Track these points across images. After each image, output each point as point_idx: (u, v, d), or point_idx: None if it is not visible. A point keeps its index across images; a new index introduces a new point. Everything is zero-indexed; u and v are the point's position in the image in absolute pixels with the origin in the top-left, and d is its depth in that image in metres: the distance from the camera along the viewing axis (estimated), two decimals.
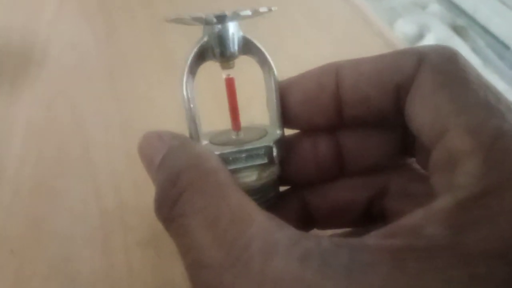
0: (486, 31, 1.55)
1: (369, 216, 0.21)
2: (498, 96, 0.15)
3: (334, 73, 0.18)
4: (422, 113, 0.16)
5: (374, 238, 0.13)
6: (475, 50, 1.51)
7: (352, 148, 0.20)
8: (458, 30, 1.57)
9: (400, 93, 0.17)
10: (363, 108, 0.18)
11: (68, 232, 0.26)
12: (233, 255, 0.13)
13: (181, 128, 0.31)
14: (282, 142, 0.19)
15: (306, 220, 0.21)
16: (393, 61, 0.17)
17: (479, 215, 0.12)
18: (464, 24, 1.59)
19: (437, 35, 1.54)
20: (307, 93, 0.19)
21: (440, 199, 0.13)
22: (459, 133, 0.14)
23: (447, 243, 0.12)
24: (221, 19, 0.17)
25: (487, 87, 0.15)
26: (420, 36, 1.56)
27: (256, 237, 0.13)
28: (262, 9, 0.17)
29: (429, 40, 1.52)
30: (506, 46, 1.47)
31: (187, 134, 0.19)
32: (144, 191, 0.28)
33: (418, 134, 0.17)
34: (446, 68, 0.16)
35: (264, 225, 0.14)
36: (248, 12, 0.17)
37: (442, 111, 0.15)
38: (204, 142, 0.19)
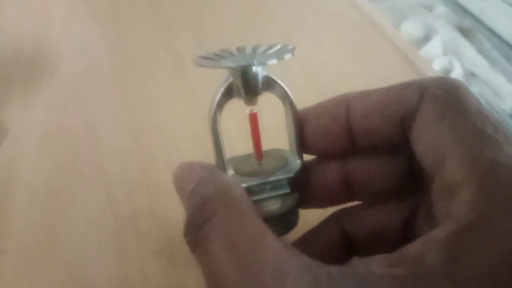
0: (492, 32, 1.54)
1: (406, 240, 0.21)
2: (496, 126, 0.16)
3: (345, 105, 0.20)
4: (424, 143, 0.17)
5: (379, 266, 0.14)
6: (482, 51, 1.50)
7: (360, 174, 0.21)
8: (464, 32, 1.57)
9: (405, 124, 0.18)
10: (373, 138, 0.19)
11: (82, 238, 0.27)
12: (249, 278, 0.15)
13: (192, 130, 0.32)
14: (302, 171, 0.21)
15: (346, 248, 0.22)
16: (398, 94, 0.19)
17: (472, 243, 0.13)
18: (471, 26, 1.59)
19: (444, 37, 1.54)
20: (320, 124, 0.20)
21: (439, 228, 0.15)
22: (455, 163, 0.15)
23: (443, 270, 0.13)
24: (249, 68, 0.19)
25: (486, 117, 0.16)
26: (427, 38, 1.56)
27: (271, 263, 0.15)
28: (287, 56, 0.19)
29: (436, 41, 1.51)
30: None
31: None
32: (156, 197, 0.29)
33: (421, 163, 0.18)
34: (446, 99, 0.17)
35: (278, 252, 0.15)
36: (274, 61, 0.19)
37: (441, 142, 0.16)
38: (230, 171, 0.20)
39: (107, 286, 0.25)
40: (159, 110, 0.35)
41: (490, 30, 1.55)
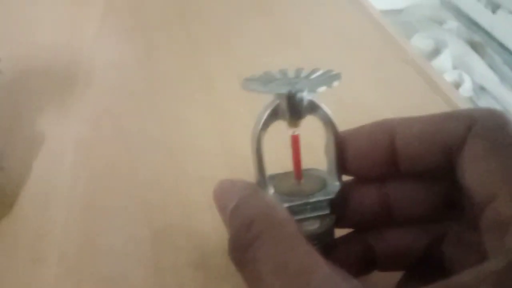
0: (503, 47, 1.55)
1: (428, 261, 0.22)
2: None
3: (388, 131, 0.20)
4: (473, 176, 0.18)
5: None
6: (492, 66, 1.51)
7: (400, 198, 0.21)
8: (475, 46, 1.57)
9: (451, 154, 0.19)
10: (416, 164, 0.20)
11: (120, 250, 0.27)
12: None
13: (222, 146, 0.33)
14: (341, 193, 0.21)
15: (368, 262, 0.22)
16: (444, 124, 0.19)
17: None
18: (481, 40, 1.59)
19: (454, 50, 1.54)
20: (362, 149, 0.21)
21: (492, 261, 0.15)
22: (508, 200, 0.16)
23: None
24: (297, 94, 0.20)
25: None
26: (436, 51, 1.56)
27: (322, 287, 0.15)
28: (335, 83, 0.20)
29: (446, 55, 1.52)
30: None
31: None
32: (189, 211, 0.29)
33: (468, 194, 0.18)
34: (495, 134, 0.18)
35: (329, 276, 0.15)
36: (324, 88, 0.20)
37: (491, 177, 0.17)
38: (270, 190, 0.21)
39: None
40: (190, 127, 0.36)
41: (500, 45, 1.56)
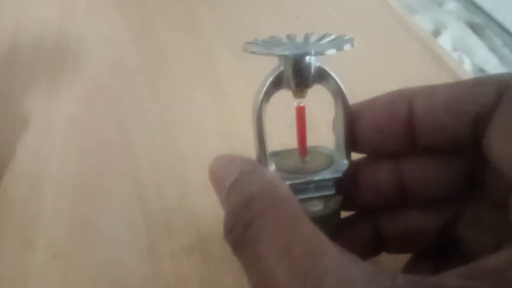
0: (503, 29, 1.53)
1: (441, 242, 0.20)
2: None
3: (407, 100, 0.18)
4: (503, 146, 0.16)
5: (453, 278, 0.13)
6: (492, 48, 1.49)
7: (417, 177, 0.20)
8: (475, 28, 1.55)
9: (478, 123, 0.17)
10: (438, 136, 0.18)
11: (113, 235, 0.26)
12: (308, 286, 0.13)
13: (220, 126, 0.31)
14: (349, 172, 0.20)
15: (376, 243, 0.21)
16: (472, 90, 0.17)
17: None
18: (481, 22, 1.57)
19: (454, 32, 1.52)
20: (378, 120, 0.19)
21: None
22: None
23: None
24: (303, 58, 0.18)
25: None
26: (436, 33, 1.54)
27: (332, 271, 0.13)
28: (346, 46, 0.17)
29: (445, 37, 1.50)
30: None
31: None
32: (186, 192, 0.28)
33: (497, 167, 0.16)
34: None
35: (338, 259, 0.14)
36: (333, 51, 0.17)
37: None
38: (272, 167, 0.19)
39: (138, 283, 0.24)
40: (187, 105, 0.34)
41: (500, 26, 1.54)
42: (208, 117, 0.33)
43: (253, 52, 0.18)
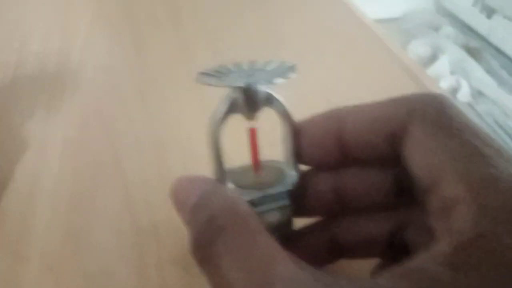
0: (500, 52, 1.56)
1: (392, 247, 0.22)
2: (485, 140, 0.17)
3: (338, 119, 0.20)
4: (417, 160, 0.18)
5: (386, 279, 0.15)
6: (489, 71, 1.51)
7: (352, 186, 0.22)
8: (471, 52, 1.58)
9: (395, 140, 0.19)
10: (363, 151, 0.20)
11: (104, 247, 0.28)
12: None
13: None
14: (298, 183, 0.22)
15: (334, 251, 0.22)
16: (387, 110, 0.19)
17: (476, 257, 0.14)
18: (478, 45, 1.60)
19: (451, 56, 1.55)
20: (314, 137, 0.21)
21: (440, 243, 0.15)
22: (451, 181, 0.16)
23: (448, 282, 0.14)
24: (253, 87, 0.20)
25: (476, 134, 0.17)
26: (434, 57, 1.57)
27: (281, 277, 0.15)
28: (292, 75, 0.20)
29: (443, 61, 1.53)
30: None
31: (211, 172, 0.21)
32: (174, 210, 0.30)
33: (414, 177, 0.18)
34: (434, 117, 0.18)
35: (288, 266, 0.16)
36: (280, 80, 0.19)
37: (434, 160, 0.17)
38: (230, 184, 0.21)
39: None
40: (178, 124, 0.36)
41: (497, 49, 1.57)
42: (196, 135, 0.35)
43: (209, 84, 0.20)
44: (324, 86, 0.39)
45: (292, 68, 0.20)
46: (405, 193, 0.21)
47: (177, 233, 0.28)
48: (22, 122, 0.36)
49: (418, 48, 1.64)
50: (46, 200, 0.30)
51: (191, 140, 0.35)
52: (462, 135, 0.17)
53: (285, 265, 0.16)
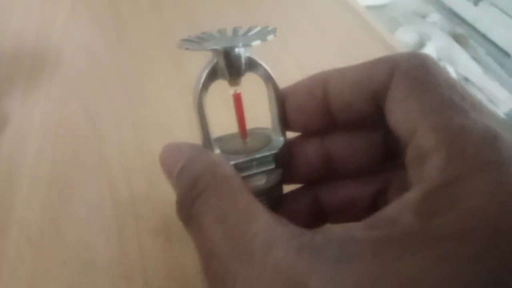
0: (486, 39, 1.57)
1: (377, 210, 0.22)
2: (463, 95, 0.17)
3: (322, 82, 0.20)
4: (396, 116, 0.18)
5: (359, 230, 0.15)
6: (476, 58, 1.52)
7: (339, 151, 0.22)
8: (458, 38, 1.59)
9: (378, 98, 0.19)
10: (348, 113, 0.20)
11: (84, 223, 0.28)
12: (239, 247, 0.16)
13: (189, 124, 0.33)
14: (285, 147, 0.22)
15: (318, 216, 0.23)
16: (370, 70, 0.19)
17: (443, 203, 0.14)
18: (464, 32, 1.61)
19: (437, 43, 1.56)
20: (299, 101, 0.21)
21: (411, 191, 0.15)
22: (425, 132, 0.16)
23: (417, 229, 0.14)
24: (233, 50, 0.20)
25: (454, 88, 0.17)
26: (421, 44, 1.58)
27: (260, 232, 0.16)
28: (269, 37, 0.20)
29: (430, 48, 1.54)
30: (506, 54, 1.49)
31: (199, 141, 0.21)
32: (155, 185, 0.30)
33: (396, 135, 0.18)
34: (415, 74, 0.18)
35: (267, 222, 0.16)
36: (258, 42, 0.19)
37: (412, 114, 0.17)
38: (216, 150, 0.21)
39: (108, 264, 0.26)
40: (158, 105, 0.36)
41: (483, 36, 1.58)
42: (177, 115, 0.35)
43: (187, 49, 0.20)
44: (308, 68, 0.39)
45: (272, 31, 0.20)
46: (392, 155, 0.21)
47: (156, 205, 0.29)
48: (0, 100, 0.36)
49: (405, 35, 1.64)
50: (26, 176, 0.30)
51: (170, 118, 0.35)
52: (440, 90, 0.17)
53: (264, 221, 0.16)
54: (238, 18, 0.46)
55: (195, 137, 0.33)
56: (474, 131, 0.15)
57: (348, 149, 0.22)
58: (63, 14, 0.46)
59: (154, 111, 0.35)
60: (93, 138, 0.33)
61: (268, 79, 0.21)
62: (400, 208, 0.15)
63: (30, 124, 0.34)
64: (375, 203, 0.22)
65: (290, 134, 0.22)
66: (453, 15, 1.71)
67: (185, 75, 0.38)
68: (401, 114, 0.18)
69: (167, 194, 0.29)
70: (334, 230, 0.18)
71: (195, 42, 0.20)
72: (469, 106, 0.16)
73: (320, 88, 0.20)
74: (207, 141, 0.21)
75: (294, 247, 0.15)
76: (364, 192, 0.22)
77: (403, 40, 1.62)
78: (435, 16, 1.71)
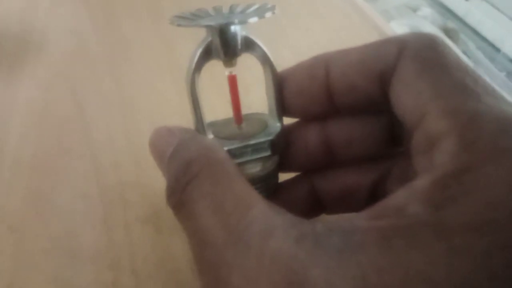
0: (476, 33, 1.57)
1: (375, 200, 0.21)
2: (476, 78, 0.16)
3: (324, 64, 0.19)
4: (404, 99, 0.17)
5: (363, 220, 0.14)
6: (466, 52, 1.53)
7: (339, 137, 0.21)
8: (448, 33, 1.59)
9: (384, 80, 0.18)
10: (351, 96, 0.19)
11: (68, 208, 0.26)
12: (235, 235, 0.14)
13: (179, 108, 0.32)
14: (282, 133, 0.20)
15: (315, 205, 0.22)
16: (376, 50, 0.18)
17: (455, 191, 0.13)
18: (455, 26, 1.61)
19: None
20: (300, 84, 0.20)
21: (420, 179, 0.14)
22: (436, 116, 0.15)
23: (427, 219, 0.13)
24: (228, 27, 0.18)
25: (466, 71, 0.16)
26: None
27: (256, 220, 0.15)
28: (267, 14, 0.18)
29: None
30: (496, 49, 1.49)
31: (191, 126, 0.20)
32: (143, 169, 0.29)
33: (401, 119, 0.17)
34: (425, 54, 0.17)
35: (264, 210, 0.15)
36: (255, 19, 0.18)
37: (421, 96, 0.16)
38: (210, 135, 0.20)
39: (94, 253, 0.24)
40: (147, 88, 0.35)
41: (474, 31, 1.58)
42: (166, 99, 0.33)
43: (179, 25, 0.18)
44: (304, 54, 0.38)
45: (270, 9, 0.19)
46: (395, 141, 0.20)
47: (145, 193, 0.28)
48: None
49: (397, 29, 1.64)
50: (8, 159, 0.29)
51: (160, 102, 0.33)
52: (452, 72, 0.16)
53: (260, 209, 0.15)
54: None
55: (186, 122, 0.31)
56: (488, 116, 0.14)
57: (349, 135, 0.20)
58: None
59: (143, 95, 0.34)
60: (79, 122, 0.32)
61: (265, 60, 0.20)
62: (407, 197, 0.14)
63: (13, 108, 0.32)
64: (374, 193, 0.21)
65: (287, 120, 0.21)
66: (445, 10, 1.71)
67: (175, 58, 0.37)
68: (409, 97, 0.16)
69: (156, 180, 0.28)
70: (335, 219, 0.17)
71: (188, 18, 0.19)
72: (482, 90, 0.15)
73: (322, 69, 0.19)
74: (200, 125, 0.20)
75: (293, 236, 0.14)
76: (363, 181, 0.21)
77: (395, 33, 1.62)
78: (426, 10, 1.71)
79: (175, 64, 0.36)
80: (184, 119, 0.31)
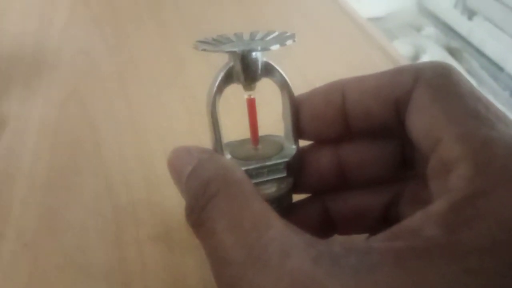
0: (480, 53, 1.58)
1: (386, 222, 0.22)
2: (488, 106, 0.16)
3: (340, 90, 0.20)
4: (419, 125, 0.18)
5: (379, 241, 0.14)
6: (470, 71, 1.53)
7: (352, 160, 0.21)
8: (452, 52, 1.60)
9: (399, 107, 0.19)
10: (367, 121, 0.20)
11: (81, 225, 0.27)
12: (253, 254, 0.15)
13: (189, 127, 0.33)
14: (298, 156, 0.21)
15: (327, 226, 0.22)
16: (393, 78, 0.19)
17: (470, 215, 0.14)
18: (458, 46, 1.62)
19: (432, 56, 1.57)
20: (316, 109, 0.21)
21: (436, 202, 0.15)
22: (451, 142, 0.16)
23: (443, 242, 0.13)
24: (250, 53, 0.19)
25: (478, 99, 0.17)
26: (416, 57, 1.59)
27: (275, 240, 0.15)
28: (288, 42, 0.19)
29: (424, 61, 1.55)
30: (500, 68, 1.50)
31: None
32: (154, 188, 0.29)
33: (416, 145, 0.18)
34: (439, 83, 0.17)
35: (282, 230, 0.15)
36: (277, 46, 0.19)
37: (436, 123, 0.17)
38: (227, 155, 0.21)
39: (106, 270, 0.25)
40: (158, 107, 0.35)
41: (477, 50, 1.59)
42: (176, 118, 0.34)
43: (204, 50, 0.19)
44: (310, 75, 0.39)
45: (291, 36, 0.20)
46: (408, 165, 0.21)
47: (157, 211, 0.28)
48: None
49: (401, 48, 1.65)
50: (23, 178, 0.30)
51: (170, 121, 0.34)
52: (465, 100, 0.16)
53: (279, 228, 0.15)
54: (239, 25, 0.45)
55: (197, 141, 0.33)
56: (500, 142, 0.15)
57: (362, 158, 0.21)
58: (62, 16, 0.46)
59: (154, 114, 0.35)
60: (91, 141, 0.32)
61: (284, 85, 0.21)
62: (423, 220, 0.14)
63: (28, 127, 0.33)
64: (385, 215, 0.21)
65: (302, 143, 0.22)
66: (448, 29, 1.72)
67: (185, 78, 0.38)
68: (424, 123, 0.17)
69: (168, 199, 0.28)
70: (351, 240, 0.18)
71: (211, 44, 0.20)
72: (495, 117, 0.16)
73: (338, 95, 0.20)
74: (219, 146, 0.20)
75: (311, 256, 0.14)
76: (375, 203, 0.21)
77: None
78: (429, 30, 1.72)
79: (184, 84, 0.37)
80: (195, 138, 0.32)
